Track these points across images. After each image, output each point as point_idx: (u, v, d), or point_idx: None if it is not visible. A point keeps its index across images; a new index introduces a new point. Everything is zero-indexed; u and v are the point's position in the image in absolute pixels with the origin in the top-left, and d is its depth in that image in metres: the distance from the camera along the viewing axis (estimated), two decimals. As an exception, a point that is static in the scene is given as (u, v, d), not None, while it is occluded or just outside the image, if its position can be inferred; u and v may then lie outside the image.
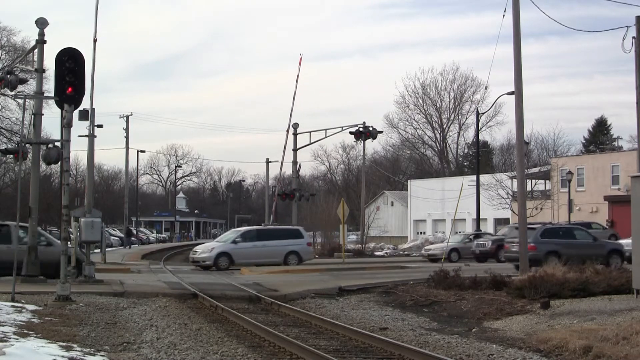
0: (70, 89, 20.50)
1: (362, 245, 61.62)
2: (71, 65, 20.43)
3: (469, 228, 69.80)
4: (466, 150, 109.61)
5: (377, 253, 60.68)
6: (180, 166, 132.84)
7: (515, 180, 49.27)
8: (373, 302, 22.78)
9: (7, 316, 16.27)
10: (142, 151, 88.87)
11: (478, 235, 48.49)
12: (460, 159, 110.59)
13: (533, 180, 66.86)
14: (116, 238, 71.77)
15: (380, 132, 54.32)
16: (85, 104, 24.44)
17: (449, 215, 76.37)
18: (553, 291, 20.55)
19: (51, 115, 64.39)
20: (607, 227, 52.45)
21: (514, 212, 52.21)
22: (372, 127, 50.34)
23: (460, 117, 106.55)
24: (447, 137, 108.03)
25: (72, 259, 24.93)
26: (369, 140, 51.25)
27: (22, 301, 19.58)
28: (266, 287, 26.51)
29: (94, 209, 26.83)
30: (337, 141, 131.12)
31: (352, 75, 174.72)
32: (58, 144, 23.76)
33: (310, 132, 52.53)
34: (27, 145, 26.47)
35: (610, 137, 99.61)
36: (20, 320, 15.93)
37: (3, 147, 53.71)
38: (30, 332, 14.39)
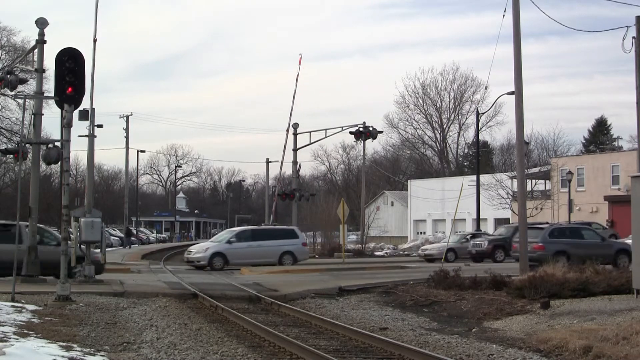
0: (70, 89, 20.50)
1: (362, 245, 61.61)
2: (71, 65, 20.44)
3: (469, 228, 69.79)
4: (466, 150, 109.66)
5: (377, 253, 60.65)
6: (180, 166, 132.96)
7: (515, 180, 49.31)
8: (373, 302, 22.78)
9: (7, 316, 16.28)
10: (142, 151, 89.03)
11: (475, 235, 48.47)
12: (460, 159, 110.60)
13: (533, 180, 66.86)
14: (116, 238, 71.76)
15: (380, 132, 54.38)
16: (85, 104, 24.47)
17: (449, 215, 76.38)
18: (553, 291, 20.55)
19: (51, 115, 64.53)
20: (607, 227, 52.46)
21: (514, 212, 52.25)
22: (372, 127, 50.37)
23: (460, 117, 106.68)
24: (447, 137, 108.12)
25: (73, 258, 24.96)
26: (369, 140, 51.28)
27: (22, 301, 19.59)
28: (266, 287, 26.51)
29: (94, 209, 26.82)
30: (337, 141, 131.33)
31: (352, 75, 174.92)
32: (58, 144, 23.77)
33: (310, 132, 52.61)
34: (27, 145, 26.47)
35: (610, 137, 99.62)
36: (20, 320, 15.93)
37: (3, 147, 53.75)
38: (30, 332, 14.39)
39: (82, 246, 26.38)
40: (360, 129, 49.92)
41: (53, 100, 23.10)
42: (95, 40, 27.90)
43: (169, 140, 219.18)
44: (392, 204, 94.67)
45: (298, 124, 51.94)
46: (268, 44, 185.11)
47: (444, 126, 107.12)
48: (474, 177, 57.29)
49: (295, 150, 51.11)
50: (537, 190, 69.88)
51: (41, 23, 26.44)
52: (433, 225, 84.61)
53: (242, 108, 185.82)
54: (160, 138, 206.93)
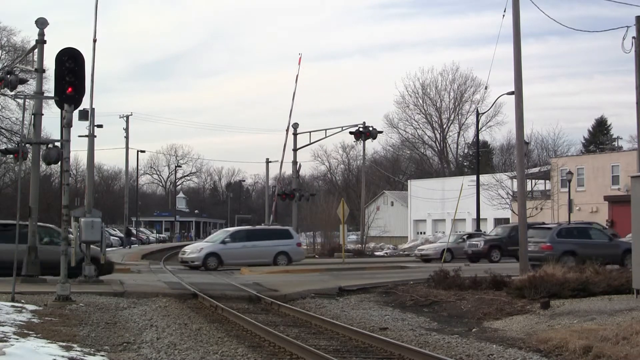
0: (70, 89, 20.51)
1: (362, 245, 61.59)
2: (71, 65, 20.44)
3: (469, 228, 69.79)
4: (466, 150, 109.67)
5: (377, 253, 60.64)
6: (180, 166, 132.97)
7: (515, 180, 49.29)
8: (373, 302, 22.78)
9: (7, 316, 16.28)
10: (142, 151, 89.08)
11: (471, 235, 48.46)
12: (460, 159, 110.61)
13: (533, 180, 66.87)
14: (116, 238, 71.77)
15: (380, 132, 54.39)
16: (85, 104, 24.46)
17: (449, 215, 76.39)
18: (553, 291, 20.55)
19: (51, 115, 64.51)
20: (607, 227, 52.43)
21: (514, 212, 52.25)
22: (372, 127, 50.38)
23: (460, 117, 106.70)
24: (447, 137, 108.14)
25: (73, 259, 24.97)
26: (369, 140, 51.29)
27: (22, 301, 19.59)
28: (266, 287, 26.51)
29: (94, 209, 26.82)
30: (337, 141, 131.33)
31: (352, 75, 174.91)
32: (58, 144, 23.76)
33: (310, 132, 52.61)
34: (27, 145, 26.47)
35: (610, 137, 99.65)
36: (20, 320, 15.93)
37: (3, 147, 53.74)
38: (30, 332, 14.39)
39: (83, 246, 26.39)
40: (360, 129, 49.92)
41: (53, 100, 23.09)
42: (95, 40, 27.91)
43: (169, 140, 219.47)
44: (392, 204, 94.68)
45: (298, 124, 51.96)
46: (268, 44, 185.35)
47: (444, 126, 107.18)
48: (474, 177, 57.31)
49: (295, 150, 51.11)
50: (537, 190, 69.88)
51: (41, 23, 26.45)
52: (433, 225, 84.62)
53: (242, 108, 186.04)
54: (160, 138, 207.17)
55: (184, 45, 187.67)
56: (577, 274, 22.20)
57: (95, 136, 28.83)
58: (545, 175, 67.05)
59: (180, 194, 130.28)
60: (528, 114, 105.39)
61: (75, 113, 23.04)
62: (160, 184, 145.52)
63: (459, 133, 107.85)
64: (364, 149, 70.06)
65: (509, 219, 62.51)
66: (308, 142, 53.66)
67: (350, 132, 50.84)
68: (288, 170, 53.48)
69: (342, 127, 52.67)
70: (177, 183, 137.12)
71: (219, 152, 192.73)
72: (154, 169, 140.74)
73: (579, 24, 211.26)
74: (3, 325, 14.75)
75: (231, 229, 45.86)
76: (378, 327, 17.45)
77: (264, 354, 13.45)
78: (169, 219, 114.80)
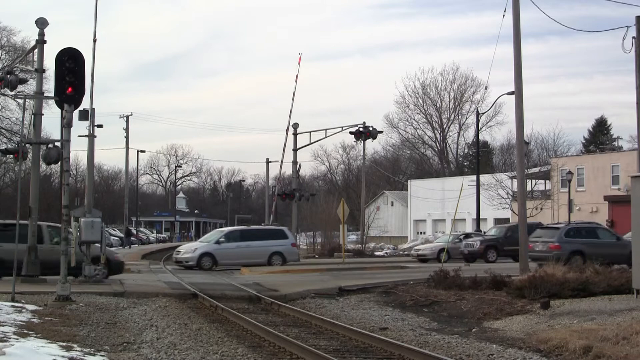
0: (70, 89, 20.51)
1: (362, 245, 61.61)
2: (71, 65, 20.45)
3: (469, 228, 69.79)
4: (466, 150, 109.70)
5: (377, 253, 60.66)
6: (180, 166, 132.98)
7: (515, 180, 49.31)
8: (373, 302, 22.78)
9: (7, 316, 16.28)
10: (142, 151, 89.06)
11: (468, 235, 48.47)
12: (460, 159, 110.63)
13: (533, 180, 66.87)
14: (116, 238, 71.75)
15: (380, 132, 54.36)
16: (85, 104, 24.42)
17: (449, 215, 76.41)
18: (553, 291, 20.55)
19: (51, 115, 64.51)
20: (607, 227, 52.40)
21: (514, 212, 52.26)
22: (372, 127, 50.35)
23: (460, 117, 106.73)
24: (447, 137, 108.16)
25: (70, 258, 24.96)
26: (369, 140, 51.26)
27: (22, 301, 19.59)
28: (266, 287, 26.51)
29: (94, 209, 26.82)
30: (337, 141, 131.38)
31: (352, 75, 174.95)
32: (58, 144, 23.75)
33: (310, 132, 52.57)
34: (27, 145, 26.47)
35: (610, 137, 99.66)
36: (20, 320, 15.93)
37: (3, 147, 53.71)
38: (30, 332, 14.39)
39: (84, 246, 26.41)
40: (360, 129, 49.90)
41: (53, 100, 23.10)
42: (95, 40, 27.87)
43: (169, 140, 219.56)
44: (392, 204, 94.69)
45: (298, 124, 51.95)
46: (268, 44, 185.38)
47: (444, 126, 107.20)
48: (474, 177, 57.31)
49: (295, 150, 51.09)
50: (537, 190, 69.88)
51: (41, 23, 26.44)
52: (433, 225, 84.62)
53: (242, 108, 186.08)
54: (160, 138, 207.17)
55: (184, 45, 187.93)
56: (577, 274, 22.21)
57: (95, 136, 28.80)
58: (545, 175, 67.05)
59: (180, 194, 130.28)
60: (528, 114, 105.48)
61: (75, 113, 23.03)
62: (160, 184, 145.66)
63: (459, 133, 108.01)
64: (364, 149, 70.09)
65: (509, 218, 62.53)
66: (308, 142, 53.68)
67: (350, 132, 50.82)
68: (288, 170, 53.49)
69: (342, 127, 52.67)
70: (177, 183, 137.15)
71: (219, 152, 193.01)
72: (154, 169, 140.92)
73: (579, 24, 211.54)
74: (3, 325, 14.75)
75: (226, 229, 45.84)
76: (378, 327, 17.45)
77: (264, 354, 13.45)
78: (169, 219, 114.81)
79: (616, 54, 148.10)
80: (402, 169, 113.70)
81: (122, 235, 74.01)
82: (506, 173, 66.53)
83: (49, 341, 13.42)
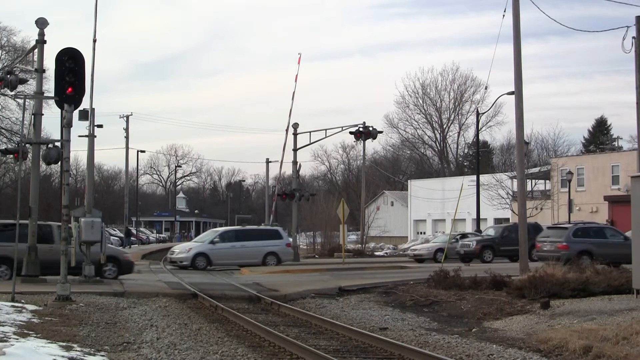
0: (70, 89, 20.53)
1: (362, 245, 61.60)
2: (71, 65, 20.46)
3: (469, 228, 69.79)
4: (466, 150, 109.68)
5: (377, 253, 60.67)
6: (180, 166, 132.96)
7: (515, 180, 49.31)
8: (373, 302, 22.79)
9: (7, 316, 16.28)
10: (142, 151, 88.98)
11: (464, 235, 48.44)
12: (460, 159, 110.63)
13: (533, 180, 66.87)
14: (116, 238, 71.72)
15: (380, 132, 54.21)
16: (85, 104, 24.42)
17: (449, 215, 76.40)
18: (553, 291, 20.56)
19: (51, 115, 64.46)
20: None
21: (514, 212, 52.25)
22: (372, 127, 50.25)
23: (460, 117, 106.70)
24: (447, 137, 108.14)
25: (70, 258, 25.01)
26: (369, 140, 51.13)
27: (22, 301, 19.59)
28: (266, 287, 26.52)
29: (94, 209, 26.82)
30: (337, 141, 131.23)
31: (352, 75, 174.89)
32: (58, 144, 23.76)
33: (310, 132, 52.42)
34: (27, 145, 26.47)
35: (610, 137, 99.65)
36: (20, 320, 15.93)
37: (3, 147, 53.67)
38: (31, 332, 14.39)
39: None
40: (360, 129, 49.82)
41: (53, 100, 23.11)
42: (95, 40, 27.85)
43: (169, 140, 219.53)
44: (392, 204, 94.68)
45: (298, 124, 51.85)
46: (268, 44, 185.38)
47: (444, 126, 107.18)
48: (474, 177, 57.28)
49: (295, 150, 51.01)
50: (537, 190, 69.88)
51: (41, 23, 26.44)
52: (433, 225, 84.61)
53: (242, 108, 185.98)
54: (160, 138, 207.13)
55: (184, 45, 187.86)
56: (577, 274, 22.22)
57: (95, 136, 28.79)
58: (545, 175, 67.05)
59: (180, 194, 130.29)
60: (528, 114, 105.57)
61: (75, 113, 23.03)
62: (160, 184, 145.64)
63: (459, 133, 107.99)
64: (364, 149, 70.16)
65: (509, 218, 62.53)
66: (308, 142, 53.52)
67: (350, 132, 50.73)
68: (288, 170, 53.41)
69: (342, 127, 52.53)
70: (177, 183, 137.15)
71: (219, 152, 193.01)
72: (154, 169, 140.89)
73: (579, 24, 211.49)
74: (3, 325, 14.75)
75: (220, 229, 45.82)
76: (378, 327, 17.46)
77: (264, 354, 13.45)
78: (169, 219, 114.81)
79: (616, 54, 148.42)
80: (402, 169, 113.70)
81: (122, 235, 73.98)
82: (506, 173, 66.53)
83: (49, 341, 13.42)
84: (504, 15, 27.60)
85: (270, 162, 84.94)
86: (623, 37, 28.65)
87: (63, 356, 12.06)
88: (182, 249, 40.28)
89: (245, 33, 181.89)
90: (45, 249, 25.71)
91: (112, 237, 68.09)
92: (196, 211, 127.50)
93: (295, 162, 50.16)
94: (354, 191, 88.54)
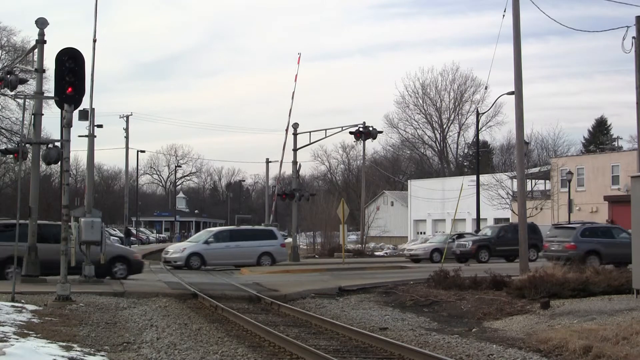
0: (70, 89, 20.52)
1: (362, 245, 61.58)
2: (71, 65, 20.46)
3: (469, 228, 69.80)
4: (466, 150, 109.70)
5: (377, 253, 60.65)
6: (180, 166, 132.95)
7: (515, 180, 49.29)
8: (373, 302, 22.79)
9: (7, 316, 16.28)
10: (142, 151, 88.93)
11: (461, 235, 48.40)
12: (460, 159, 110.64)
13: (533, 180, 66.88)
14: (116, 238, 71.69)
15: (380, 132, 54.19)
16: (85, 104, 24.41)
17: (449, 215, 76.39)
18: (553, 291, 20.57)
19: (51, 115, 64.39)
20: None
21: (514, 212, 52.24)
22: (372, 127, 50.24)
23: (460, 117, 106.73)
24: (447, 137, 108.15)
25: (70, 258, 25.04)
26: (369, 140, 51.11)
27: (22, 301, 19.58)
28: (266, 287, 26.52)
29: (94, 209, 26.83)
30: (337, 141, 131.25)
31: (352, 75, 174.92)
32: (58, 144, 23.76)
33: (310, 132, 52.40)
34: (27, 145, 26.47)
35: (610, 137, 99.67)
36: (20, 320, 15.93)
37: (3, 147, 53.67)
38: (30, 332, 14.39)
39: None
40: (360, 129, 49.80)
41: (53, 100, 23.10)
42: (95, 40, 27.85)
43: (169, 140, 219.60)
44: (392, 204, 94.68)
45: (298, 124, 51.85)
46: (268, 44, 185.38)
47: (444, 126, 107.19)
48: (474, 177, 57.26)
49: (295, 150, 51.00)
50: (537, 190, 69.89)
51: (41, 23, 26.43)
52: (433, 225, 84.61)
53: (242, 108, 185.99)
54: (160, 138, 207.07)
55: (184, 45, 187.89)
56: (577, 274, 22.23)
57: (95, 136, 28.79)
58: (545, 175, 67.05)
59: (180, 194, 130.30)
60: (528, 114, 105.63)
61: (75, 113, 23.03)
62: (160, 184, 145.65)
63: (459, 133, 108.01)
64: (364, 149, 70.14)
65: (509, 218, 62.55)
66: (308, 142, 53.50)
67: (350, 132, 50.72)
68: (288, 170, 53.40)
69: (342, 127, 52.51)
70: (177, 183, 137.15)
71: (219, 152, 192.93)
72: (154, 169, 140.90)
73: (579, 24, 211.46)
74: (3, 325, 14.75)
75: (215, 229, 45.81)
76: (378, 327, 17.46)
77: (264, 354, 13.45)
78: (169, 219, 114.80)
79: (616, 54, 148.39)
80: (402, 169, 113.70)
81: (122, 235, 73.99)
82: (506, 173, 66.51)
83: (49, 341, 13.42)
84: (504, 15, 27.64)
85: (270, 162, 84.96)
86: (623, 37, 28.68)
87: (63, 356, 12.06)
88: (176, 249, 40.26)
89: (245, 33, 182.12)
90: (53, 249, 25.71)
91: (112, 237, 68.15)
92: (196, 211, 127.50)
93: (295, 162, 50.15)
94: (354, 191, 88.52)
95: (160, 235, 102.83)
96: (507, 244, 41.88)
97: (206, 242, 39.46)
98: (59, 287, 20.25)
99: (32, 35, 43.44)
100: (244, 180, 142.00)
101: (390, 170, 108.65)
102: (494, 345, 14.56)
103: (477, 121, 63.54)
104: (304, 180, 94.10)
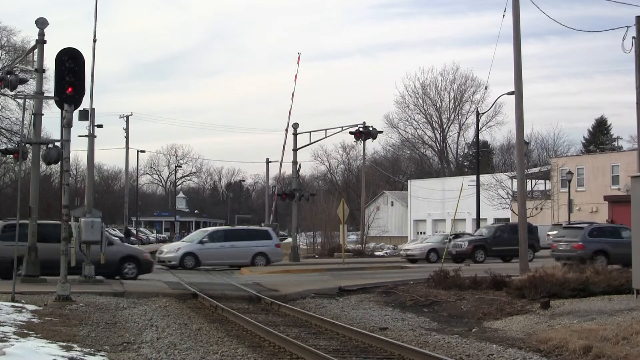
0: (70, 89, 20.52)
1: (362, 245, 61.56)
2: (71, 65, 20.46)
3: (469, 228, 69.83)
4: (466, 150, 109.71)
5: (377, 253, 60.62)
6: (180, 166, 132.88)
7: (515, 180, 49.30)
8: (373, 302, 22.79)
9: (7, 316, 16.28)
10: (142, 151, 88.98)
11: (458, 235, 48.38)
12: (460, 159, 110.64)
13: (533, 180, 66.87)
14: (116, 238, 71.60)
15: (380, 132, 54.22)
16: (85, 104, 24.41)
17: (449, 215, 76.39)
18: (553, 291, 20.57)
19: (51, 115, 64.39)
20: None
21: (514, 212, 52.25)
22: (372, 127, 50.26)
23: (460, 117, 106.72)
24: (447, 137, 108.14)
25: (70, 258, 25.04)
26: (369, 140, 51.14)
27: (22, 301, 19.59)
28: (266, 287, 26.52)
29: (94, 209, 26.84)
30: (337, 141, 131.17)
31: (352, 75, 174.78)
32: (58, 144, 23.76)
33: (310, 132, 52.41)
34: (27, 145, 26.47)
35: (610, 137, 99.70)
36: (20, 320, 15.93)
37: (3, 147, 53.68)
38: (31, 332, 14.40)
39: (83, 245, 26.46)
40: (360, 129, 49.82)
41: (53, 100, 23.10)
42: (95, 40, 27.85)
43: (169, 140, 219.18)
44: (392, 204, 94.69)
45: (298, 124, 51.88)
46: (268, 44, 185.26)
47: (444, 126, 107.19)
48: (474, 177, 57.25)
49: (295, 150, 51.01)
50: (537, 190, 69.90)
51: (41, 23, 26.43)
52: (433, 225, 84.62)
53: (242, 108, 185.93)
54: (160, 138, 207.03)
55: (184, 45, 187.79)
56: (577, 274, 22.23)
57: (95, 136, 28.79)
58: (545, 175, 67.06)
59: (180, 194, 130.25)
60: (528, 114, 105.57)
61: (75, 113, 23.03)
62: (160, 184, 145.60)
63: (459, 133, 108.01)
64: (364, 149, 70.12)
65: (509, 218, 62.56)
66: (308, 142, 53.52)
67: (350, 132, 50.73)
68: (288, 170, 53.41)
69: (342, 127, 52.52)
70: (177, 183, 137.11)
71: (219, 152, 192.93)
72: (154, 169, 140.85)
73: (579, 24, 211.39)
74: (3, 325, 14.75)
75: (209, 229, 45.72)
76: (378, 327, 17.46)
77: (264, 354, 13.45)
78: (169, 219, 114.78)
79: (616, 54, 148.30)
80: (402, 169, 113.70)
81: (121, 235, 73.98)
82: (506, 173, 66.52)
83: (49, 341, 13.42)
84: (504, 15, 27.65)
85: (270, 162, 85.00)
86: (623, 37, 28.70)
87: (63, 356, 12.06)
88: (170, 249, 40.17)
89: (245, 33, 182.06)
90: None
91: (112, 237, 68.08)
92: (196, 211, 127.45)
93: (295, 162, 50.15)
94: (354, 191, 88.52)
95: (160, 235, 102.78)
96: (503, 244, 41.89)
97: (200, 242, 39.38)
98: (59, 287, 20.25)
99: (32, 35, 43.46)
100: (244, 180, 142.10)
101: (390, 170, 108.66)
102: (494, 345, 14.56)
103: (477, 121, 63.53)
104: (304, 180, 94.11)
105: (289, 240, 57.04)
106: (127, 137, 78.75)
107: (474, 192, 53.52)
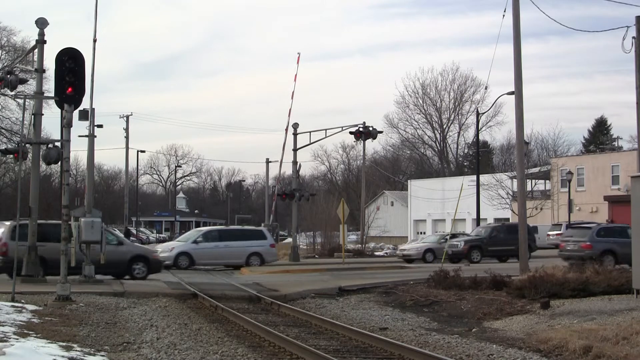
0: (70, 89, 20.52)
1: (362, 245, 61.55)
2: (71, 65, 20.46)
3: (469, 228, 69.80)
4: (466, 150, 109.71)
5: (377, 253, 60.59)
6: (180, 166, 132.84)
7: (515, 180, 49.30)
8: (373, 302, 22.79)
9: (7, 316, 16.28)
10: (142, 151, 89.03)
11: (455, 235, 48.37)
12: (460, 159, 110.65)
13: (533, 180, 66.87)
14: (124, 238, 71.58)
15: (380, 132, 54.22)
16: (85, 104, 24.40)
17: (449, 215, 76.38)
18: (553, 291, 20.57)
19: (51, 115, 64.37)
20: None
21: (513, 212, 52.25)
22: (372, 127, 50.27)
23: (460, 117, 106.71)
24: (447, 137, 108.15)
25: (70, 258, 25.03)
26: (369, 140, 51.15)
27: (22, 301, 19.59)
28: (266, 287, 26.52)
29: (94, 209, 26.83)
30: (337, 141, 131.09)
31: (352, 75, 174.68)
32: (58, 144, 23.76)
33: (310, 132, 52.41)
34: (27, 145, 26.48)
35: (610, 137, 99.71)
36: (20, 320, 15.93)
37: (3, 147, 53.70)
38: (30, 332, 14.40)
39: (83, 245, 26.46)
40: (360, 129, 49.82)
41: (53, 100, 23.10)
42: (95, 40, 27.84)
43: (169, 140, 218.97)
44: (392, 204, 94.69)
45: (298, 124, 51.89)
46: (268, 44, 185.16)
47: (444, 126, 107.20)
48: (474, 177, 57.25)
49: (295, 150, 51.02)
50: (537, 190, 69.91)
51: (41, 23, 26.43)
52: (433, 225, 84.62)
53: (242, 108, 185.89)
54: (160, 138, 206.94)
55: (184, 45, 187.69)
56: (577, 274, 22.24)
57: (95, 136, 28.77)
58: (545, 175, 67.07)
59: (180, 194, 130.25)
60: (528, 114, 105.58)
61: (75, 113, 23.02)
62: (160, 184, 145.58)
63: (459, 133, 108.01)
64: (364, 149, 70.11)
65: (509, 218, 62.57)
66: (308, 142, 53.53)
67: (350, 132, 50.74)
68: (288, 170, 53.43)
69: (342, 127, 52.52)
70: (177, 183, 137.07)
71: (219, 152, 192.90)
72: (154, 169, 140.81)
73: (579, 24, 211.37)
74: (3, 325, 14.75)
75: (204, 229, 45.65)
76: (378, 327, 17.46)
77: (264, 354, 13.45)
78: (169, 219, 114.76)
79: (616, 54, 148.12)
80: (402, 169, 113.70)
81: (122, 235, 73.94)
82: (506, 173, 66.53)
83: (49, 341, 13.42)
84: (504, 15, 27.66)
85: (270, 162, 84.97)
86: (623, 37, 28.69)
87: (63, 356, 12.06)
88: (164, 248, 40.04)
89: (245, 33, 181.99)
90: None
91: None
92: (196, 211, 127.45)
93: (295, 162, 50.15)
94: (354, 191, 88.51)
95: (160, 235, 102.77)
96: (499, 244, 41.88)
97: (195, 242, 39.28)
98: (59, 287, 20.25)
99: (32, 35, 43.43)
100: (244, 180, 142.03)
101: (390, 170, 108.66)
102: (494, 345, 14.56)
103: (477, 121, 63.51)
104: (304, 180, 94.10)
105: (289, 240, 57.05)
106: (127, 137, 78.84)
107: (474, 192, 53.51)
